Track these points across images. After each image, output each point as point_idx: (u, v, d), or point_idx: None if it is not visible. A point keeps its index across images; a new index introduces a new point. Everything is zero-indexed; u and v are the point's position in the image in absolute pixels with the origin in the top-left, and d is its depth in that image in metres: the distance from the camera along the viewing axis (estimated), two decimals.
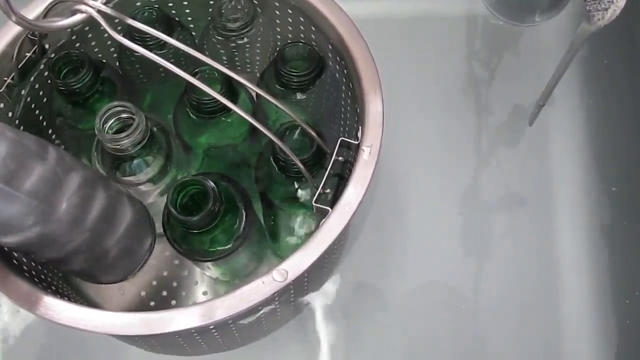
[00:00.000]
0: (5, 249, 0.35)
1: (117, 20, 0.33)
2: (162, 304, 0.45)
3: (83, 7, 0.28)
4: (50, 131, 0.44)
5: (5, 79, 0.39)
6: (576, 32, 0.40)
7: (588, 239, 0.51)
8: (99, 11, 0.28)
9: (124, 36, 0.32)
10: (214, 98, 0.38)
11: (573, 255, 0.50)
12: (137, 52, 0.32)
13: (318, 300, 0.49)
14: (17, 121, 0.41)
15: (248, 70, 0.47)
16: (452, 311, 0.49)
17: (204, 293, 0.45)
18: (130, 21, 0.29)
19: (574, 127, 0.55)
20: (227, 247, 0.36)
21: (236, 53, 0.45)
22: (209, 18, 0.44)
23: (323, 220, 0.33)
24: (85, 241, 0.35)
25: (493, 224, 0.51)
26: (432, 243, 0.51)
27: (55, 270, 0.40)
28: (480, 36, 0.59)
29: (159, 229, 0.39)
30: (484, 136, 0.54)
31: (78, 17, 0.28)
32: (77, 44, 0.43)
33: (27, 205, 0.30)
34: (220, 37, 0.43)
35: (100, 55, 0.45)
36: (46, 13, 0.34)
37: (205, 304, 0.31)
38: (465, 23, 0.59)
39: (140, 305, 0.45)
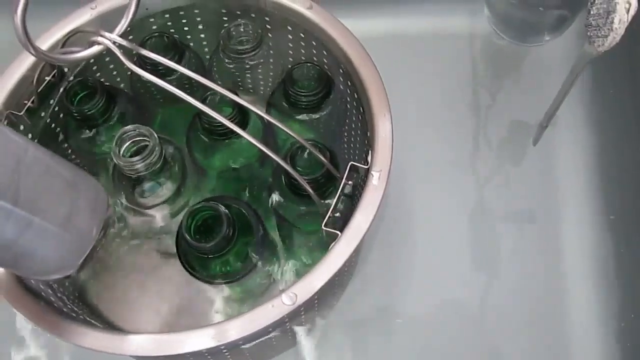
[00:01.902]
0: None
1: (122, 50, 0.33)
2: (174, 322, 0.45)
3: (100, 39, 0.29)
4: (69, 151, 0.45)
5: (26, 102, 0.40)
6: (578, 56, 0.40)
7: (595, 256, 0.51)
8: (114, 42, 0.29)
9: (135, 61, 0.33)
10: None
11: (580, 272, 0.50)
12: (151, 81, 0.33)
13: (328, 319, 0.49)
14: (36, 140, 0.42)
15: (261, 91, 0.48)
16: (461, 329, 0.49)
17: (217, 311, 0.46)
18: (145, 52, 0.30)
19: (577, 146, 0.55)
20: (240, 270, 0.37)
21: (247, 74, 0.46)
22: (219, 41, 0.45)
23: (332, 245, 0.33)
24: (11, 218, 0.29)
25: (500, 242, 0.52)
26: (440, 261, 0.51)
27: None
28: (484, 55, 0.59)
29: (171, 248, 0.40)
30: (489, 154, 0.55)
31: (95, 48, 0.29)
32: (94, 67, 0.44)
33: None
34: (230, 60, 0.44)
35: (118, 79, 0.46)
36: (64, 43, 0.35)
37: (217, 325, 0.32)
38: (470, 42, 0.59)
39: (153, 324, 0.45)
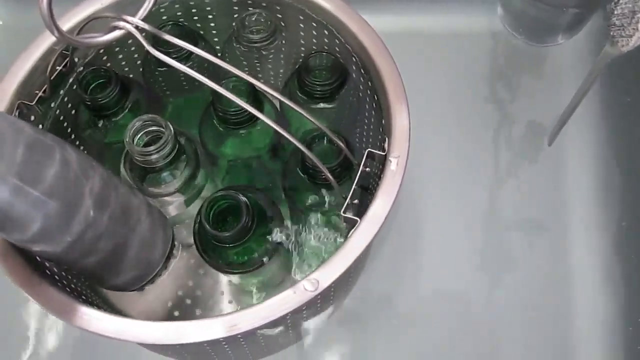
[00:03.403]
0: (37, 257, 0.36)
1: (143, 34, 0.33)
2: (187, 313, 0.45)
3: (121, 24, 0.29)
4: (77, 143, 0.45)
5: (37, 92, 0.39)
6: (599, 56, 0.40)
7: (603, 260, 0.51)
8: (136, 27, 0.29)
9: (146, 50, 0.32)
10: (240, 109, 0.39)
11: (587, 275, 0.50)
12: (167, 67, 0.33)
13: (335, 313, 0.49)
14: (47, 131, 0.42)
15: (271, 81, 0.48)
16: (465, 328, 0.49)
17: (230, 302, 0.46)
18: (168, 37, 0.30)
19: (592, 149, 0.55)
20: (258, 260, 0.37)
21: (259, 64, 0.46)
22: (233, 29, 0.45)
23: (352, 231, 0.33)
24: (101, 242, 0.34)
25: (508, 241, 0.51)
26: (447, 259, 0.51)
27: (69, 271, 0.40)
28: (499, 55, 0.59)
29: (188, 238, 0.39)
30: (502, 154, 0.54)
31: (117, 33, 0.29)
32: (104, 57, 0.44)
33: (41, 204, 0.30)
34: (243, 49, 0.44)
35: (127, 69, 0.46)
36: (80, 29, 0.34)
37: (239, 313, 0.32)
38: (485, 41, 0.59)
39: (165, 315, 0.45)
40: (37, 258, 0.36)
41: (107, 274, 0.38)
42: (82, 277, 0.41)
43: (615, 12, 0.37)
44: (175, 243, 0.43)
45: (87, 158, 0.34)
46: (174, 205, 0.43)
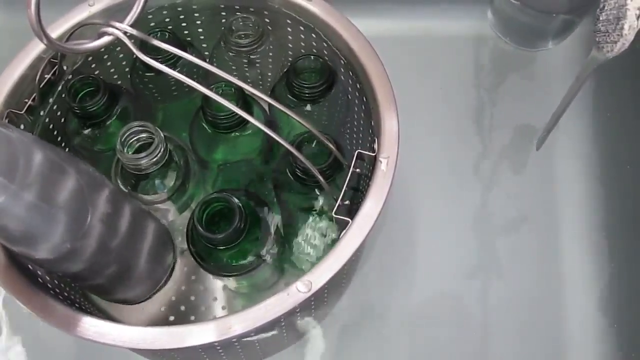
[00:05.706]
0: (30, 266, 0.36)
1: (132, 41, 0.33)
2: (181, 320, 0.45)
3: (110, 30, 0.29)
4: (67, 151, 0.45)
5: (26, 100, 0.39)
6: (585, 61, 0.41)
7: (593, 262, 0.51)
8: (124, 33, 0.29)
9: (136, 57, 0.32)
10: (230, 113, 0.39)
11: (578, 277, 0.51)
12: (156, 72, 0.33)
13: (327, 318, 0.49)
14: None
15: (260, 85, 0.48)
16: (457, 330, 0.49)
17: (223, 307, 0.46)
18: (157, 42, 0.30)
19: (580, 152, 0.55)
20: (251, 262, 0.37)
21: (247, 69, 0.46)
22: (221, 34, 0.45)
23: (344, 232, 0.34)
24: (109, 257, 0.35)
25: (499, 244, 0.52)
26: (438, 260, 0.51)
27: (75, 286, 0.40)
28: (488, 59, 0.59)
29: (180, 245, 0.40)
30: (491, 157, 0.55)
31: (106, 39, 0.29)
32: (93, 65, 0.44)
33: (54, 219, 0.30)
34: (231, 53, 0.44)
35: (115, 76, 0.46)
36: (69, 37, 0.35)
37: (232, 316, 0.32)
38: (474, 46, 0.60)
39: (159, 321, 0.45)
40: (30, 266, 0.36)
41: (115, 288, 0.39)
42: (88, 290, 0.41)
43: (601, 19, 0.38)
44: (176, 255, 0.44)
45: (98, 174, 0.34)
46: (165, 213, 0.43)
